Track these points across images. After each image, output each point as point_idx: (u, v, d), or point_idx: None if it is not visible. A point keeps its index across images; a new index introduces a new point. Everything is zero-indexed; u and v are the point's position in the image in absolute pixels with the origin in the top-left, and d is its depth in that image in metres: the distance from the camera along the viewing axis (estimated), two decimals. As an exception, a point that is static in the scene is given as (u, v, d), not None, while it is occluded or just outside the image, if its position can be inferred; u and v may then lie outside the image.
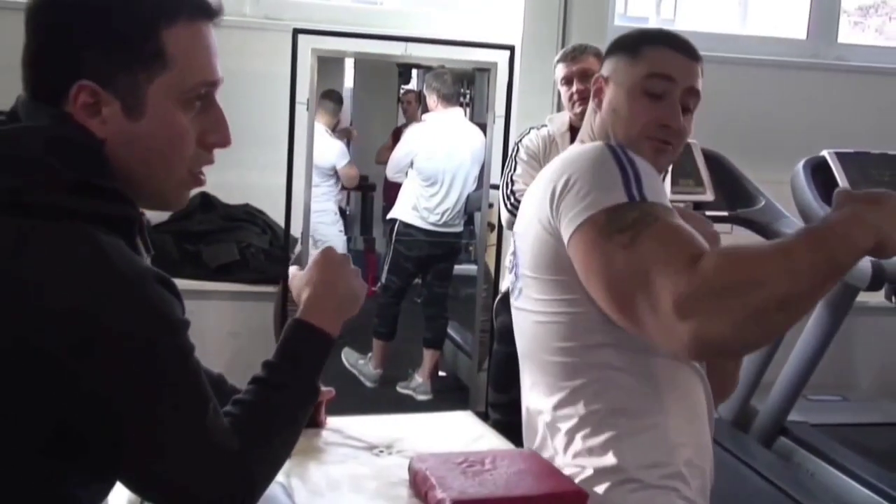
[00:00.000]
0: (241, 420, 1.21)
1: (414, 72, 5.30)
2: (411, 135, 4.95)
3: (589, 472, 1.67)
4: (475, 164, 4.76)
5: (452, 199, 4.83)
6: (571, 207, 1.60)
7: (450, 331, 5.06)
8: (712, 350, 1.49)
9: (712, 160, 3.80)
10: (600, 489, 1.65)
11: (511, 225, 2.71)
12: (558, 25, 4.58)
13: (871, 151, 3.72)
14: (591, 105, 1.88)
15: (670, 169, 2.00)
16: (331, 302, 1.41)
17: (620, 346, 1.68)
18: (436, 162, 4.82)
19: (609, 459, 1.67)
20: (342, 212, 5.20)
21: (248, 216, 4.62)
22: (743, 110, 4.89)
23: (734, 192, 3.81)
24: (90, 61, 1.17)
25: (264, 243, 4.52)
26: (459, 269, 5.08)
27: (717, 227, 1.91)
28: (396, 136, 5.10)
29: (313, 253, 1.54)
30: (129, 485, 1.19)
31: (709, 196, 3.63)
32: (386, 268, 4.93)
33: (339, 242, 5.02)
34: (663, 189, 1.68)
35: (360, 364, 4.93)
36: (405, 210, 4.87)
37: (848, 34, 5.92)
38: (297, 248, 4.33)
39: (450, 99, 4.82)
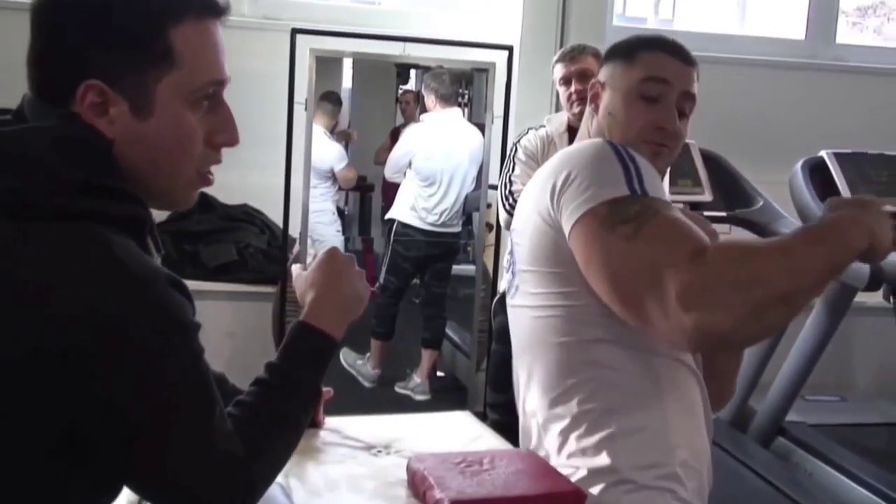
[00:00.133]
0: (243, 422, 1.21)
1: (412, 72, 5.29)
2: (409, 135, 4.95)
3: (583, 472, 1.67)
4: (473, 164, 4.76)
5: (451, 199, 4.83)
6: (573, 199, 1.61)
7: (448, 331, 5.06)
8: (713, 341, 1.50)
9: (710, 160, 3.80)
10: (595, 490, 1.64)
11: (509, 225, 2.71)
12: (557, 26, 4.58)
13: (869, 152, 3.72)
14: (587, 110, 1.91)
15: (668, 169, 2.01)
16: (335, 305, 1.41)
17: (617, 343, 1.68)
18: (434, 162, 4.82)
19: (603, 460, 1.66)
20: (340, 212, 5.20)
21: (247, 216, 4.62)
22: (741, 111, 4.89)
23: (732, 193, 3.81)
24: (97, 61, 1.17)
25: (262, 243, 4.52)
26: (458, 269, 5.08)
27: (716, 227, 1.92)
28: (395, 136, 5.09)
29: (311, 252, 1.54)
30: (131, 484, 1.18)
31: (707, 196, 3.63)
32: (384, 268, 4.93)
33: (336, 242, 5.02)
34: (662, 187, 1.70)
35: (359, 364, 4.93)
36: (403, 210, 4.87)
37: (846, 35, 5.93)
38: (296, 248, 4.33)
39: (448, 99, 4.82)
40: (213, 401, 1.16)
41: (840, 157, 3.65)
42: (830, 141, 3.86)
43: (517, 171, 3.39)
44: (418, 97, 5.09)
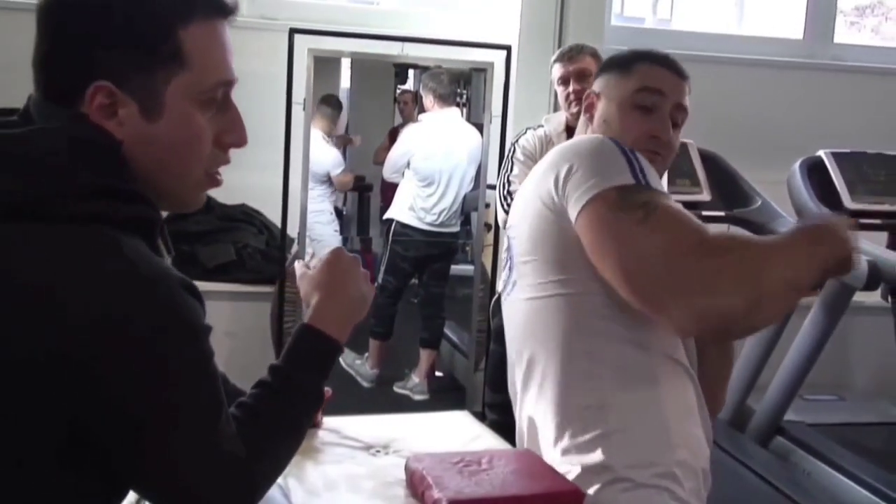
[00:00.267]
0: (246, 425, 1.21)
1: (410, 72, 5.29)
2: (408, 135, 4.95)
3: (579, 470, 1.67)
4: (472, 164, 4.76)
5: (449, 199, 4.83)
6: (580, 185, 1.64)
7: (446, 331, 5.06)
8: (720, 327, 1.57)
9: (709, 160, 3.81)
10: (591, 489, 1.64)
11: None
12: (555, 25, 4.58)
13: (868, 151, 3.73)
14: (582, 119, 1.96)
15: (666, 170, 2.02)
16: (340, 308, 1.41)
17: (614, 336, 1.70)
18: (432, 162, 4.82)
19: (599, 457, 1.66)
20: (338, 212, 5.20)
21: (245, 216, 4.62)
22: (739, 110, 4.89)
23: (731, 192, 3.82)
24: (106, 62, 1.16)
25: (261, 243, 4.52)
26: (456, 269, 5.08)
27: (714, 226, 1.93)
28: (393, 136, 5.09)
29: (309, 252, 1.54)
30: (133, 484, 1.18)
31: (705, 196, 3.63)
32: (383, 268, 4.93)
33: (335, 242, 5.02)
34: (662, 185, 1.73)
35: (357, 364, 4.93)
36: (402, 210, 4.87)
37: (844, 34, 5.93)
38: (294, 249, 4.33)
39: (446, 99, 4.82)
40: (220, 403, 1.16)
41: (838, 157, 3.65)
42: (828, 140, 3.86)
43: (515, 170, 3.39)
44: (416, 97, 5.09)
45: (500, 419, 3.12)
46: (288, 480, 1.60)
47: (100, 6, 1.17)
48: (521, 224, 1.77)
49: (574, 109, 3.40)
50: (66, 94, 1.17)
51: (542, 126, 3.52)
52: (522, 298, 1.78)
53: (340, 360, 4.84)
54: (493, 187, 3.93)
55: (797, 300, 1.62)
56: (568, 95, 3.47)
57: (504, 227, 3.32)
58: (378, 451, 1.78)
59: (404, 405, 4.70)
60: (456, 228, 4.95)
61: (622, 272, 1.59)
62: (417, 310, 5.10)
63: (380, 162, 5.02)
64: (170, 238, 1.26)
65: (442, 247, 4.93)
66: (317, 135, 4.47)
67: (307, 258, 1.56)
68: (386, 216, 4.97)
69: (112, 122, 1.17)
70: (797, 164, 3.68)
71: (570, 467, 1.67)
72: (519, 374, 1.81)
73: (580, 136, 1.92)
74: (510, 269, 1.83)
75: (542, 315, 1.74)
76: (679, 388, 1.75)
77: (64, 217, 1.09)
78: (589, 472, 1.66)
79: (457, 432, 1.93)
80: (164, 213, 1.25)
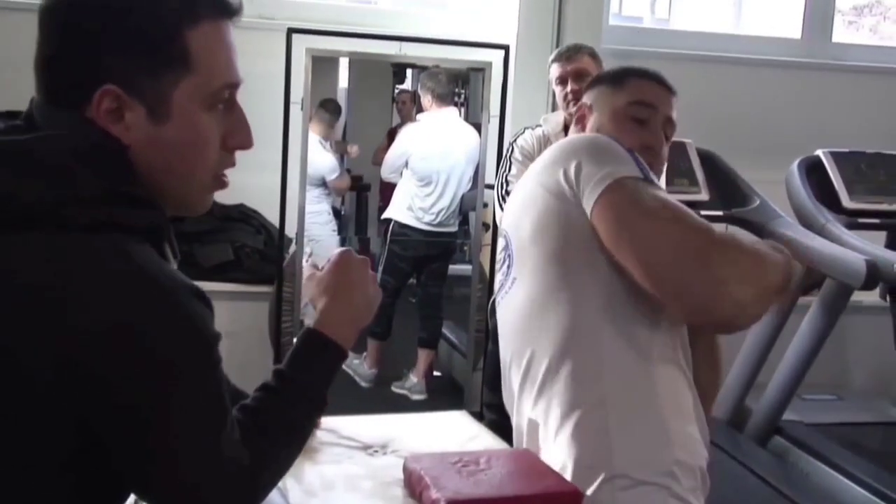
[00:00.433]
0: (249, 429, 1.20)
1: (409, 71, 5.28)
2: (406, 135, 4.94)
3: (577, 469, 1.67)
4: (470, 163, 4.75)
5: (447, 198, 4.83)
6: (594, 174, 1.69)
7: (445, 330, 5.05)
8: (734, 312, 1.65)
9: (707, 160, 3.81)
10: (589, 487, 1.64)
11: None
12: (553, 25, 4.58)
13: (866, 151, 3.74)
14: (573, 130, 1.99)
15: (665, 169, 2.05)
16: (347, 313, 1.40)
17: (612, 336, 1.71)
18: (430, 162, 4.81)
19: (597, 456, 1.67)
20: (337, 212, 5.19)
21: (243, 216, 4.61)
22: (737, 110, 4.89)
23: (729, 192, 3.82)
24: (114, 65, 1.15)
25: (259, 243, 4.52)
26: (454, 268, 5.07)
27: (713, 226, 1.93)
28: (392, 136, 5.09)
29: (307, 251, 1.54)
30: (137, 489, 1.18)
31: (703, 196, 3.63)
32: (381, 268, 4.92)
33: (333, 242, 5.01)
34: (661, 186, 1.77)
35: (355, 364, 4.92)
36: (400, 210, 4.87)
37: (842, 34, 5.93)
38: (292, 249, 4.33)
39: (444, 99, 4.81)
40: (225, 411, 1.16)
41: (836, 156, 3.66)
42: (827, 140, 3.86)
43: (514, 170, 3.39)
44: (415, 97, 5.08)
45: (498, 419, 3.12)
46: (286, 480, 1.59)
47: (107, 9, 1.16)
48: (521, 219, 1.78)
49: (572, 109, 3.39)
50: (72, 98, 1.16)
51: (541, 126, 3.52)
52: (523, 295, 1.78)
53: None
54: (491, 187, 3.93)
55: (774, 303, 1.75)
56: (566, 95, 3.47)
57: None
58: (376, 451, 1.78)
59: (402, 405, 4.70)
60: (454, 228, 4.95)
61: (642, 260, 1.64)
62: (416, 309, 5.10)
63: (378, 162, 5.01)
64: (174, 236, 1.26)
65: (440, 247, 4.92)
66: (313, 139, 4.46)
67: (305, 258, 1.55)
68: (384, 216, 4.97)
69: (119, 127, 1.17)
70: (795, 164, 3.68)
71: (569, 466, 1.67)
72: (517, 373, 1.81)
73: (575, 135, 1.95)
74: (509, 266, 1.83)
75: (542, 313, 1.74)
76: (675, 389, 1.76)
77: (73, 224, 1.09)
78: (588, 470, 1.66)
79: (455, 432, 1.93)
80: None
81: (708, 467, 1.78)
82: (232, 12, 1.24)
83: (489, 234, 4.42)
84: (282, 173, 4.13)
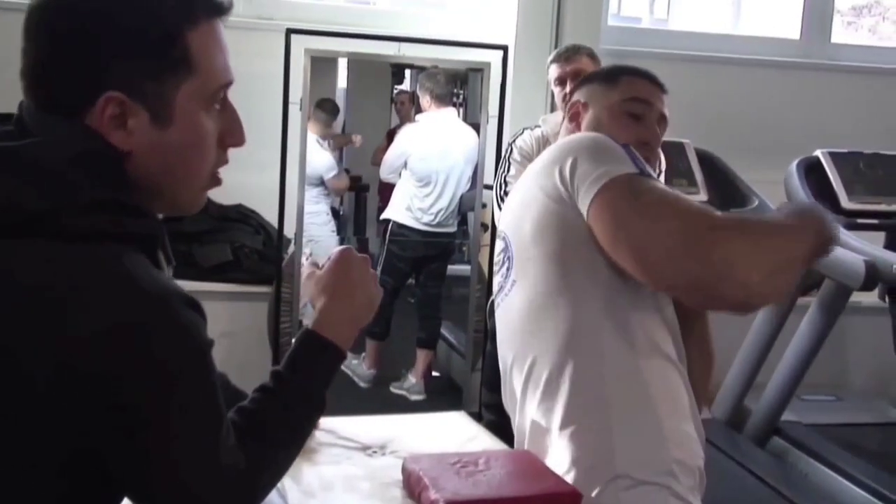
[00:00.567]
0: (246, 432, 1.20)
1: (407, 72, 5.28)
2: (404, 135, 4.94)
3: (578, 468, 1.67)
4: (469, 164, 4.75)
5: (446, 199, 4.83)
6: (588, 174, 1.68)
7: (443, 331, 5.05)
8: (741, 296, 1.63)
9: (705, 160, 3.81)
10: (592, 488, 1.64)
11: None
12: (552, 25, 4.58)
13: (865, 151, 3.73)
14: (565, 126, 1.99)
15: (664, 169, 2.07)
16: (346, 314, 1.39)
17: (612, 336, 1.71)
18: (429, 162, 4.81)
19: (600, 456, 1.67)
20: (335, 212, 5.19)
21: (241, 216, 4.61)
22: (736, 110, 4.89)
23: (727, 193, 3.82)
24: (116, 71, 1.14)
25: (257, 244, 4.52)
26: (453, 269, 5.07)
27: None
28: (391, 137, 5.08)
29: (306, 252, 1.52)
30: (133, 495, 1.18)
31: (702, 196, 3.63)
32: (379, 268, 4.91)
33: (332, 243, 5.01)
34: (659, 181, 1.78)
35: (354, 364, 4.92)
36: (399, 210, 4.87)
37: (841, 34, 5.92)
38: (291, 249, 4.33)
39: (443, 99, 4.81)
40: (221, 417, 1.16)
41: (835, 157, 3.65)
42: (825, 140, 3.86)
43: (512, 171, 3.39)
44: (413, 97, 5.08)
45: (497, 419, 3.12)
46: (284, 481, 1.59)
47: (105, 12, 1.15)
48: (521, 221, 1.78)
49: (571, 110, 3.40)
50: (71, 105, 1.15)
51: (539, 126, 3.52)
52: (523, 298, 1.78)
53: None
54: (490, 187, 3.92)
55: (799, 274, 1.70)
56: (565, 96, 3.47)
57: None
58: (375, 452, 1.78)
59: (401, 405, 4.70)
60: (453, 229, 4.95)
61: (639, 255, 1.64)
62: (414, 310, 5.10)
63: (377, 163, 5.01)
64: (168, 242, 1.25)
65: (439, 247, 4.92)
66: (311, 138, 4.46)
67: (304, 258, 1.54)
68: (383, 216, 4.97)
69: (121, 133, 1.16)
70: (794, 164, 3.68)
71: (573, 467, 1.67)
72: (519, 375, 1.81)
73: (572, 134, 1.94)
74: (508, 269, 1.83)
75: (543, 316, 1.74)
76: (673, 387, 1.77)
77: (67, 232, 1.08)
78: (591, 471, 1.66)
79: (454, 433, 1.93)
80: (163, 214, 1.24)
81: (705, 466, 1.79)
82: (224, 10, 1.23)
83: (488, 235, 4.42)
84: (280, 173, 4.13)
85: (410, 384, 4.89)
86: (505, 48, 4.35)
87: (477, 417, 2.47)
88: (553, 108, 3.95)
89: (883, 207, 3.64)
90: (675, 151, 3.59)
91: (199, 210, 1.31)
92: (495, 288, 1.91)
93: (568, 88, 3.45)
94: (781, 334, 3.85)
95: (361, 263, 1.44)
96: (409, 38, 4.35)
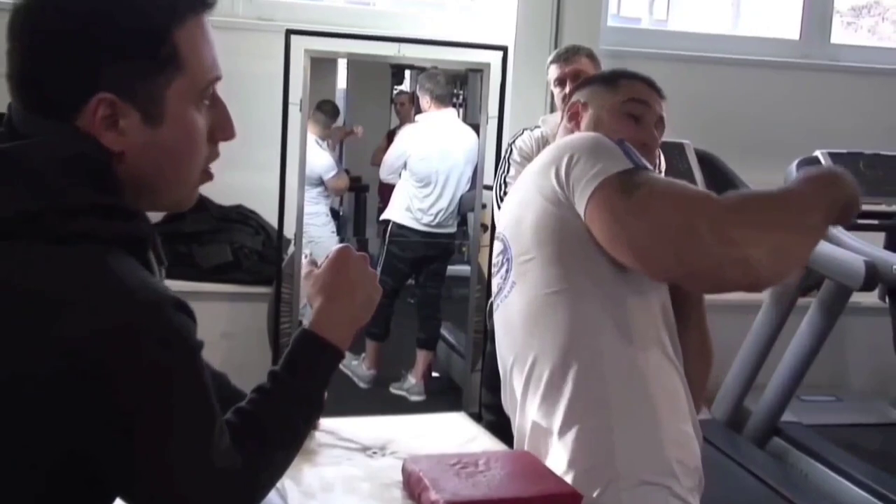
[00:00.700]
0: (242, 433, 1.19)
1: (407, 73, 5.28)
2: (404, 136, 4.94)
3: (578, 469, 1.67)
4: (468, 164, 4.75)
5: (446, 199, 4.83)
6: (583, 175, 1.69)
7: (443, 331, 5.05)
8: (750, 274, 1.62)
9: (705, 161, 3.81)
10: (594, 489, 1.64)
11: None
12: (551, 26, 4.58)
13: (864, 151, 3.73)
14: (565, 126, 2.00)
15: (663, 170, 2.08)
16: (344, 313, 1.38)
17: (612, 335, 1.72)
18: (429, 163, 4.81)
19: (601, 456, 1.67)
20: (335, 213, 5.19)
21: (241, 217, 4.61)
22: (736, 111, 4.89)
23: (727, 193, 3.81)
24: (106, 72, 1.13)
25: (257, 244, 4.52)
26: (453, 269, 5.07)
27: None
28: (391, 137, 5.09)
29: (306, 253, 1.52)
30: (127, 498, 1.17)
31: (702, 196, 3.62)
32: (379, 269, 4.91)
33: (332, 243, 5.01)
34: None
35: (354, 365, 4.92)
36: (399, 211, 4.87)
37: (841, 34, 5.93)
38: (291, 249, 4.33)
39: (443, 100, 4.81)
40: (213, 418, 1.15)
41: (835, 157, 3.65)
42: (825, 141, 3.86)
43: (512, 171, 3.39)
44: (413, 98, 5.08)
45: (497, 420, 3.11)
46: (284, 482, 1.59)
47: (92, 13, 1.14)
48: (519, 223, 1.79)
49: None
50: (61, 107, 1.15)
51: (539, 127, 3.52)
52: (523, 300, 1.78)
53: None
54: (489, 188, 3.92)
55: (814, 243, 1.69)
56: (564, 97, 3.47)
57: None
58: (375, 453, 1.78)
59: (401, 406, 4.70)
60: (452, 229, 4.95)
61: (638, 250, 1.65)
62: (414, 311, 5.10)
63: (377, 163, 5.01)
64: (166, 240, 1.25)
65: (438, 247, 4.92)
66: (310, 139, 4.46)
67: (304, 260, 1.54)
68: (383, 217, 4.97)
69: (112, 134, 1.15)
70: (794, 165, 3.68)
71: (574, 467, 1.67)
72: (519, 377, 1.81)
73: (570, 135, 1.96)
74: (507, 270, 1.83)
75: (544, 317, 1.74)
76: (672, 387, 1.77)
77: (56, 235, 1.08)
78: (591, 471, 1.66)
79: (454, 434, 1.93)
80: (162, 214, 1.24)
81: (705, 468, 1.79)
82: (211, 5, 1.22)
83: (488, 235, 4.42)
84: (280, 174, 4.13)
85: (410, 385, 4.89)
86: (505, 49, 4.35)
87: (477, 418, 2.46)
88: (553, 109, 3.95)
89: (883, 208, 3.64)
90: (675, 152, 3.59)
91: (199, 210, 1.31)
92: (494, 289, 1.91)
93: (567, 89, 3.45)
94: (781, 335, 3.85)
95: (359, 262, 1.43)
96: (408, 39, 4.36)
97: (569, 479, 1.64)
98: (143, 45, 1.15)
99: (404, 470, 1.62)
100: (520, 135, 3.51)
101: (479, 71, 4.47)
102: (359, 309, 1.40)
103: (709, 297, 2.00)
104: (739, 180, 3.88)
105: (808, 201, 1.66)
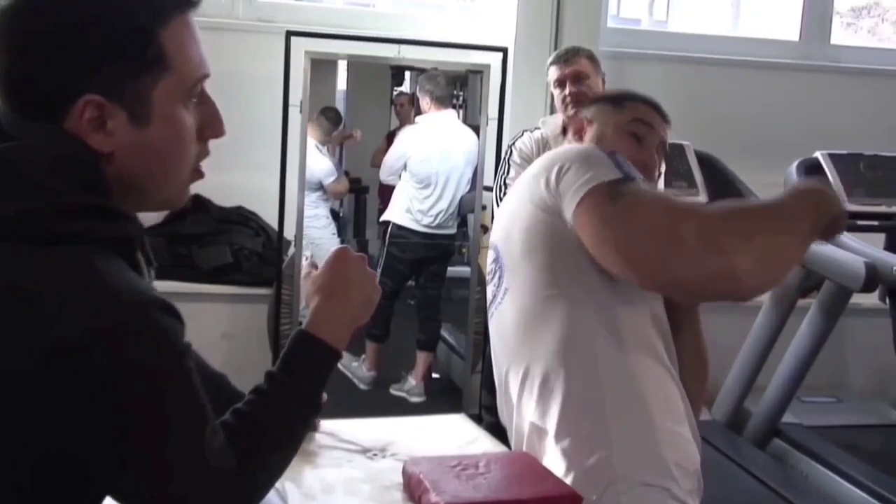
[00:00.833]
0: (239, 434, 1.19)
1: (407, 74, 5.28)
2: (404, 137, 4.94)
3: (578, 471, 1.67)
4: (468, 166, 4.75)
5: (446, 201, 4.83)
6: (572, 183, 1.70)
7: (443, 333, 5.05)
8: (734, 285, 1.62)
9: (705, 162, 3.81)
10: (593, 492, 1.64)
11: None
12: (551, 27, 4.58)
13: (864, 152, 3.73)
14: (570, 141, 2.05)
15: (663, 171, 2.08)
16: (342, 313, 1.37)
17: (605, 341, 1.73)
18: (429, 164, 4.81)
19: (598, 459, 1.67)
20: (335, 214, 5.19)
21: (241, 218, 4.61)
22: (736, 112, 4.89)
23: (727, 194, 3.80)
24: (93, 74, 1.14)
25: (257, 246, 4.52)
26: (453, 270, 5.07)
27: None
28: (391, 139, 5.09)
29: (306, 254, 1.52)
30: (115, 496, 1.17)
31: (702, 198, 3.63)
32: (379, 270, 4.91)
33: (332, 245, 5.00)
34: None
35: (354, 366, 4.92)
36: (399, 212, 4.87)
37: (840, 35, 5.93)
38: (291, 251, 4.33)
39: (443, 101, 4.81)
40: (204, 417, 1.15)
41: (835, 158, 3.65)
42: (825, 142, 3.86)
43: (512, 173, 3.40)
44: (413, 99, 5.08)
45: (497, 422, 3.12)
46: (285, 484, 1.59)
47: (77, 16, 1.14)
48: (511, 231, 1.80)
49: (571, 112, 3.40)
50: (48, 109, 1.15)
51: (539, 128, 3.53)
52: (515, 306, 1.79)
53: (337, 362, 4.84)
54: (489, 189, 3.93)
55: (801, 254, 1.71)
56: (564, 98, 3.47)
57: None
58: (375, 455, 1.78)
59: (401, 407, 4.70)
60: (452, 230, 4.95)
61: (625, 259, 1.65)
62: (414, 312, 5.09)
63: (377, 164, 5.01)
64: (166, 242, 1.25)
65: (438, 249, 4.92)
66: (310, 144, 4.46)
67: (304, 261, 1.54)
68: (382, 218, 4.96)
69: (100, 135, 1.15)
70: (794, 166, 3.68)
71: (571, 470, 1.67)
72: (515, 382, 1.82)
73: (559, 147, 1.99)
74: (500, 278, 1.84)
75: (537, 323, 1.75)
76: (667, 390, 1.78)
77: (45, 236, 1.08)
78: (589, 474, 1.66)
79: (454, 435, 1.92)
80: (162, 215, 1.24)
81: (705, 469, 1.79)
82: (196, 3, 1.22)
83: (488, 237, 4.42)
84: (280, 176, 4.13)
85: (410, 386, 4.89)
86: (504, 50, 4.35)
87: (477, 419, 2.46)
88: (553, 110, 3.95)
89: (883, 209, 3.64)
90: (675, 153, 3.59)
91: (199, 212, 1.31)
92: (489, 297, 1.93)
93: (567, 90, 3.45)
94: (781, 336, 3.84)
95: (358, 262, 1.42)
96: (408, 41, 4.35)
97: (568, 480, 1.65)
98: (129, 47, 1.15)
99: (405, 472, 1.62)
100: (520, 136, 3.52)
101: (479, 72, 4.46)
102: (357, 309, 1.40)
103: (709, 298, 2.00)
104: (739, 181, 3.88)
105: (795, 212, 1.67)
